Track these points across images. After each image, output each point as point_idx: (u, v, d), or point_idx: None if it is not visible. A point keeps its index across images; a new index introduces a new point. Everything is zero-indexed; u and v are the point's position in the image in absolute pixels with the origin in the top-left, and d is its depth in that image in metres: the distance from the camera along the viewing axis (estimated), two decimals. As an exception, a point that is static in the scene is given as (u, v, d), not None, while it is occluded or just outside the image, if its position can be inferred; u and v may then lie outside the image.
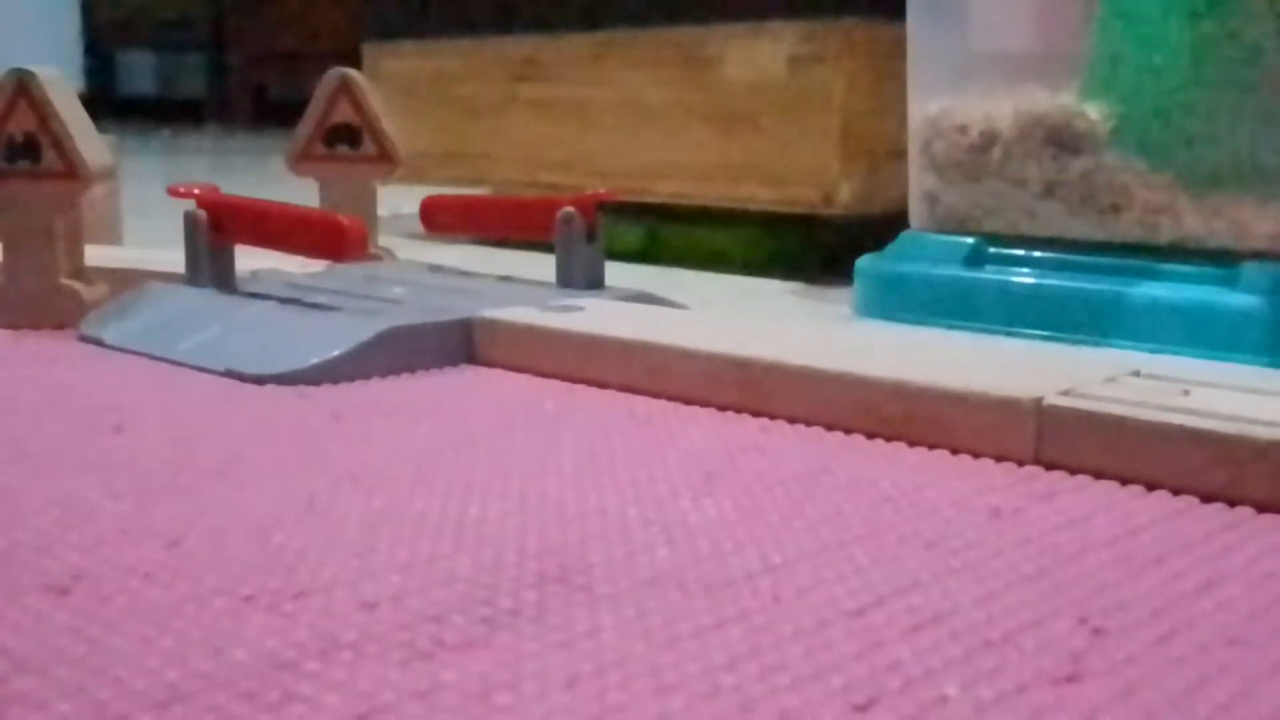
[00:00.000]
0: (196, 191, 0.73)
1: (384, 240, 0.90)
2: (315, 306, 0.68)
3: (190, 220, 0.72)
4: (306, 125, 0.89)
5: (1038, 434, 0.48)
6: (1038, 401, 0.48)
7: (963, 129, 0.81)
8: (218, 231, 0.72)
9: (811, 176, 0.99)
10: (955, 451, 0.49)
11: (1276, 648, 0.32)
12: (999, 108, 0.80)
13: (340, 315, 0.66)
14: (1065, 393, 0.48)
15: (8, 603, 0.34)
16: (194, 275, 0.72)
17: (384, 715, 0.28)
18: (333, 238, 0.69)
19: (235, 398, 0.58)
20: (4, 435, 0.50)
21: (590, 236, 0.74)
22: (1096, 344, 0.72)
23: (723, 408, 0.56)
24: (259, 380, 0.60)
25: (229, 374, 0.61)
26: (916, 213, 0.84)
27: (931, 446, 0.50)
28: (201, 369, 0.63)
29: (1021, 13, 0.84)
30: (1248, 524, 0.41)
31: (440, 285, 0.75)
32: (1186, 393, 0.48)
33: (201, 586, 0.35)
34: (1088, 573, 0.37)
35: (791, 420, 0.54)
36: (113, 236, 1.01)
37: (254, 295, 0.71)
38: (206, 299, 0.71)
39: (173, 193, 0.74)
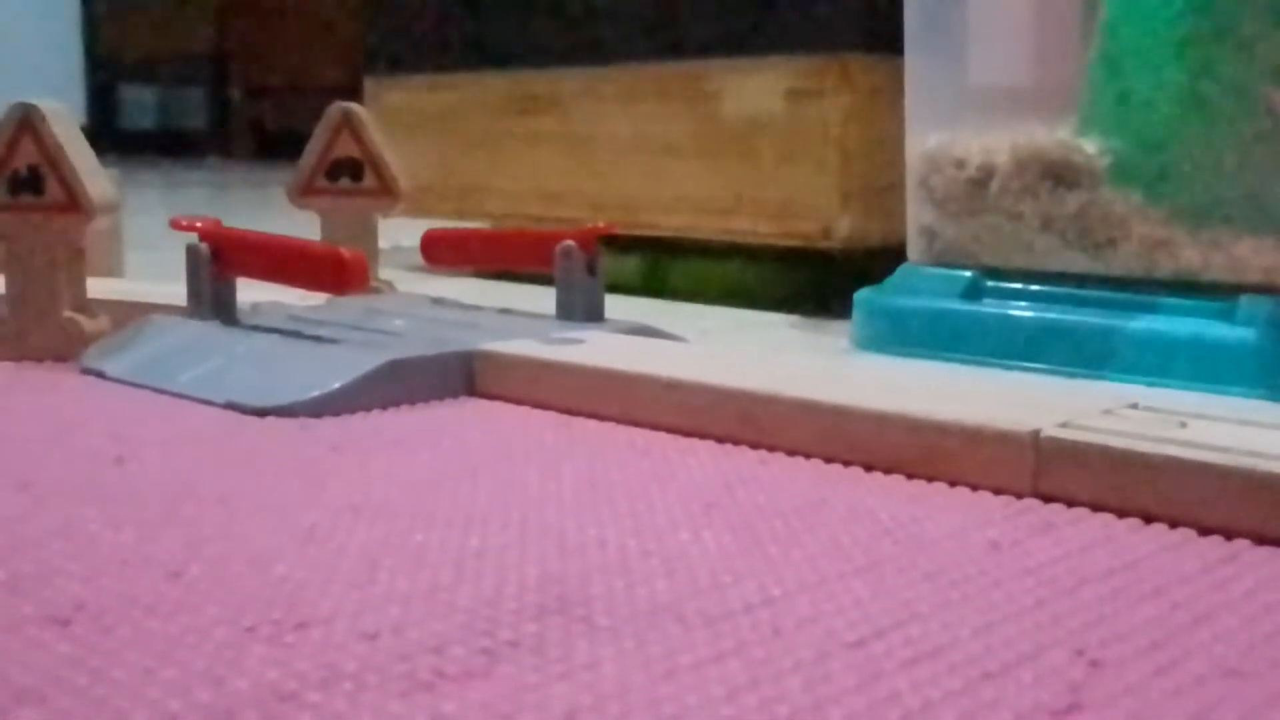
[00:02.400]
0: (199, 225, 0.73)
1: (385, 273, 0.91)
2: (316, 339, 0.68)
3: (192, 253, 0.72)
4: (308, 159, 0.89)
5: (1035, 466, 0.48)
6: (1035, 434, 0.48)
7: (960, 163, 0.82)
8: (219, 264, 0.72)
9: (810, 210, 0.99)
10: (954, 484, 0.49)
11: (1275, 679, 0.32)
12: (996, 142, 0.80)
13: (341, 348, 0.66)
14: (1063, 425, 0.49)
15: (9, 633, 0.34)
16: (196, 308, 0.73)
17: (384, 746, 0.28)
18: (334, 271, 0.69)
19: (236, 430, 0.58)
20: (5, 466, 0.51)
21: (590, 269, 0.74)
22: (1094, 377, 0.73)
23: (721, 440, 0.56)
24: (260, 412, 0.60)
25: (230, 406, 0.62)
26: (914, 246, 0.85)
27: (930, 479, 0.50)
28: (202, 401, 0.63)
29: (1019, 48, 0.85)
30: (1245, 556, 0.42)
31: (440, 318, 0.75)
32: (1184, 425, 0.49)
33: (203, 617, 0.35)
34: (1086, 605, 0.37)
35: (790, 452, 0.54)
36: (115, 269, 1.01)
37: (255, 328, 0.71)
38: (208, 332, 0.71)
39: (175, 225, 0.75)
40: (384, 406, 0.62)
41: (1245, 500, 0.43)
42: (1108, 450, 0.46)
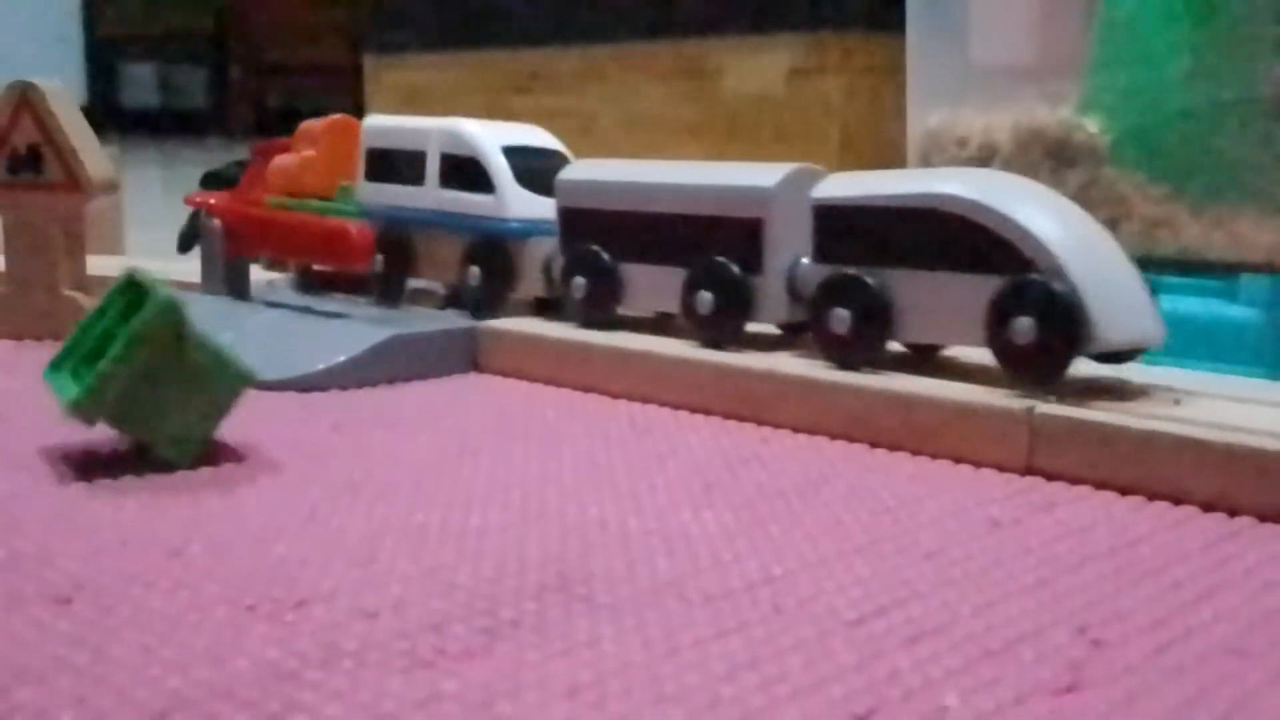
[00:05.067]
0: (212, 201, 0.74)
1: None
2: (326, 314, 0.69)
3: (206, 229, 0.73)
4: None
5: (1030, 442, 0.48)
6: (1029, 409, 0.48)
7: (962, 142, 0.81)
8: (232, 240, 0.73)
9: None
10: (957, 461, 0.49)
11: (1276, 657, 0.32)
12: (998, 120, 0.80)
13: (347, 322, 0.67)
14: (1058, 401, 0.49)
15: (9, 612, 0.34)
16: (209, 283, 0.74)
17: (385, 724, 0.28)
18: (340, 245, 0.69)
19: (238, 406, 0.58)
20: (6, 445, 0.50)
21: None
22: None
23: (723, 418, 0.56)
24: (266, 386, 0.61)
25: None
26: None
27: (933, 456, 0.50)
28: None
29: (1021, 26, 0.85)
30: (1247, 533, 0.42)
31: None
32: (1178, 402, 0.49)
33: (203, 596, 0.35)
34: (1087, 583, 0.37)
35: (792, 430, 0.54)
36: (115, 247, 1.01)
37: (267, 303, 0.72)
38: (220, 306, 0.71)
39: (189, 203, 0.76)
40: (390, 381, 0.62)
41: (1237, 477, 0.43)
42: (1100, 426, 0.46)
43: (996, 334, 0.51)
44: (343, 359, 0.62)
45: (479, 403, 0.60)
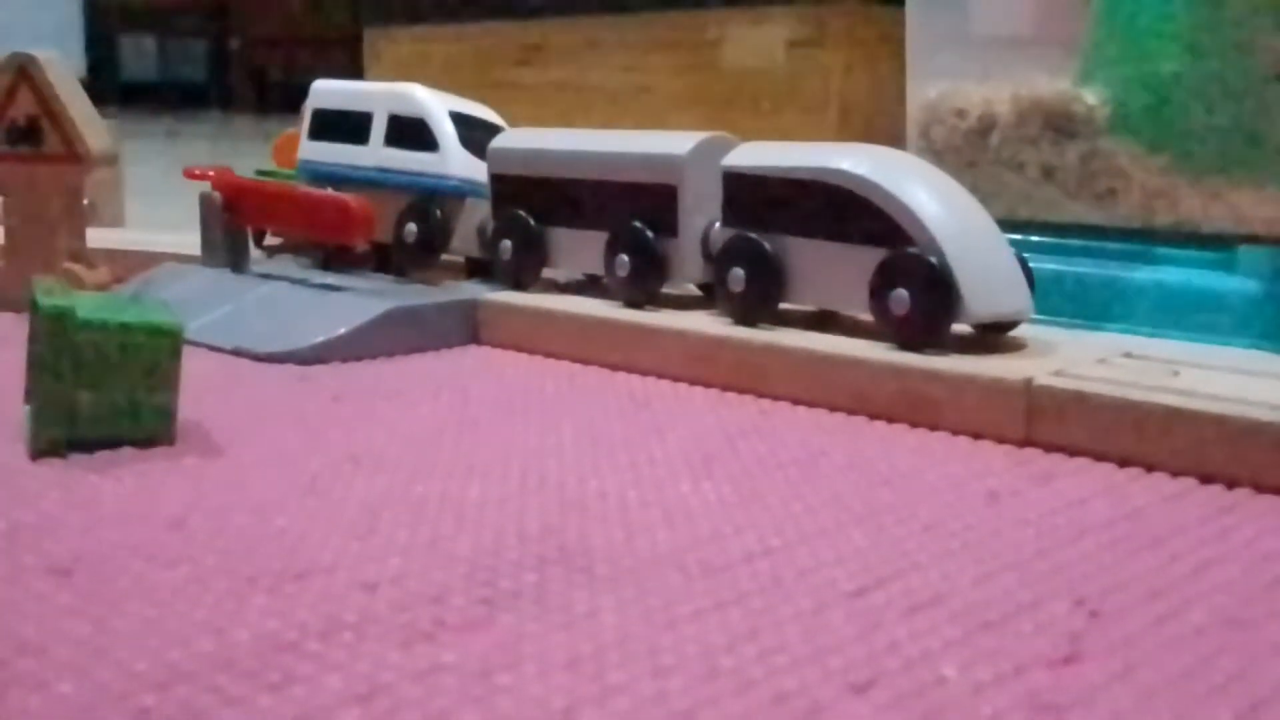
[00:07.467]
0: (211, 174, 0.74)
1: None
2: (325, 287, 0.69)
3: (205, 202, 0.73)
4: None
5: (1028, 414, 0.48)
6: (1028, 382, 0.48)
7: (961, 113, 0.81)
8: (232, 213, 0.73)
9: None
10: (955, 434, 0.49)
11: (1274, 628, 0.32)
12: (997, 92, 0.80)
13: (347, 295, 0.67)
14: (1056, 373, 0.49)
15: (10, 584, 0.35)
16: (209, 256, 0.74)
17: (384, 696, 0.28)
18: (339, 219, 0.69)
19: (238, 378, 0.58)
20: (6, 417, 0.51)
21: None
22: (1094, 328, 0.72)
23: (722, 390, 0.56)
24: (266, 359, 0.61)
25: (237, 352, 0.62)
26: (916, 197, 0.84)
27: (932, 428, 0.50)
28: (212, 347, 0.63)
29: (1021, -4, 0.84)
30: (1246, 505, 0.42)
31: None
32: (1176, 374, 0.49)
33: (203, 568, 0.36)
34: (1085, 555, 0.37)
35: (791, 403, 0.54)
36: (115, 219, 1.01)
37: (266, 275, 0.72)
38: (219, 279, 0.72)
39: (188, 175, 0.76)
40: (390, 354, 0.63)
41: (1235, 448, 0.43)
42: (1098, 398, 0.46)
43: (878, 303, 0.54)
44: (343, 331, 0.62)
45: (479, 375, 0.60)
